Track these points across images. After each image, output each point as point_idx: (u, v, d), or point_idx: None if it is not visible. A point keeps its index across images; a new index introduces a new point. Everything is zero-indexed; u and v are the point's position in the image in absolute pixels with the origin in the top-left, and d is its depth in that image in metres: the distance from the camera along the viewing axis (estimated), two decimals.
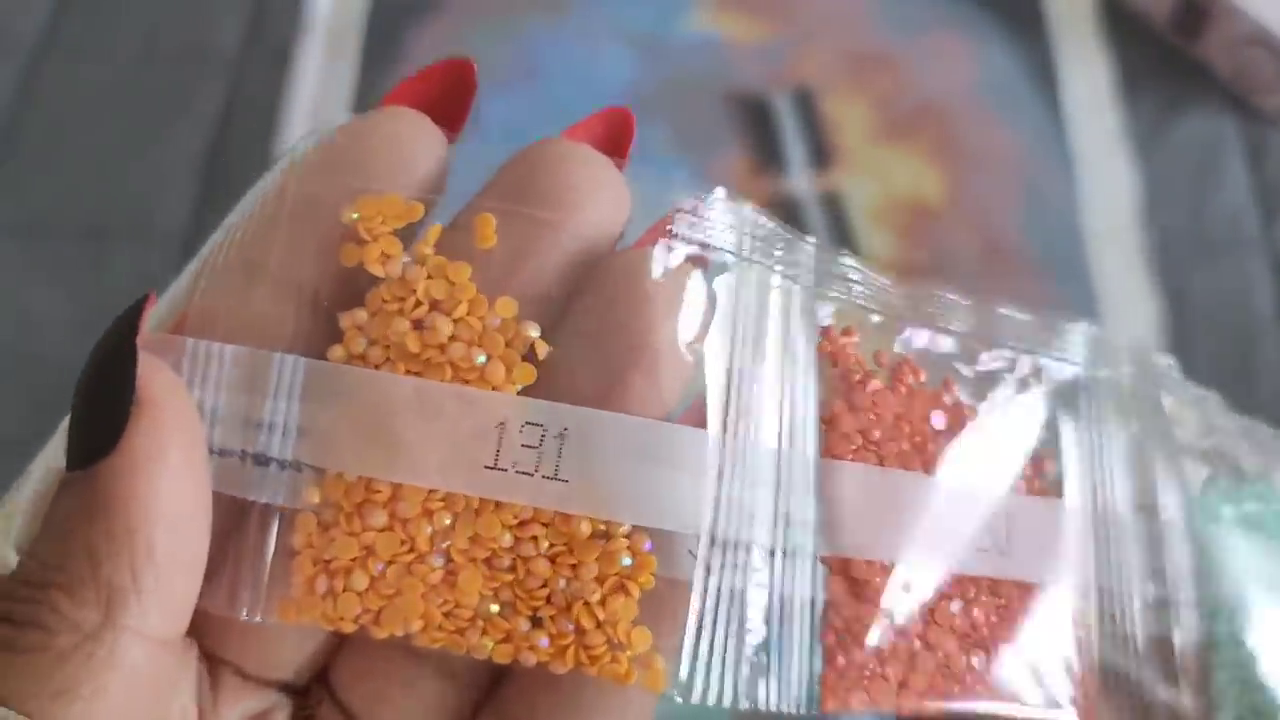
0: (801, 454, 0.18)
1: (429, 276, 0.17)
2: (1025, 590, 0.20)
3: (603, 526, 0.17)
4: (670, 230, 0.18)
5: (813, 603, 0.18)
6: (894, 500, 0.19)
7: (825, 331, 0.19)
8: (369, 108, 0.18)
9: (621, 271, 0.17)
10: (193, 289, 0.18)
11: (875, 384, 0.19)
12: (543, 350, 0.17)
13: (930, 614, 0.19)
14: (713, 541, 0.17)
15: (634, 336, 0.17)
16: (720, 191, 0.19)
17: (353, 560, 0.17)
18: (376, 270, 0.17)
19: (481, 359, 0.17)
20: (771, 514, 0.18)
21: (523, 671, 0.18)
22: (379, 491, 0.17)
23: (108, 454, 0.15)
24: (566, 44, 0.51)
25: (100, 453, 0.15)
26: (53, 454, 0.17)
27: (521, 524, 0.17)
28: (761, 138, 0.49)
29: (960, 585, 0.19)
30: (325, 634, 0.18)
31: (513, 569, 0.17)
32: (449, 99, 0.18)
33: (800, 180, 0.48)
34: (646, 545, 0.17)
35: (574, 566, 0.17)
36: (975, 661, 0.19)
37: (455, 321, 0.17)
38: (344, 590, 0.17)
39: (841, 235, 0.47)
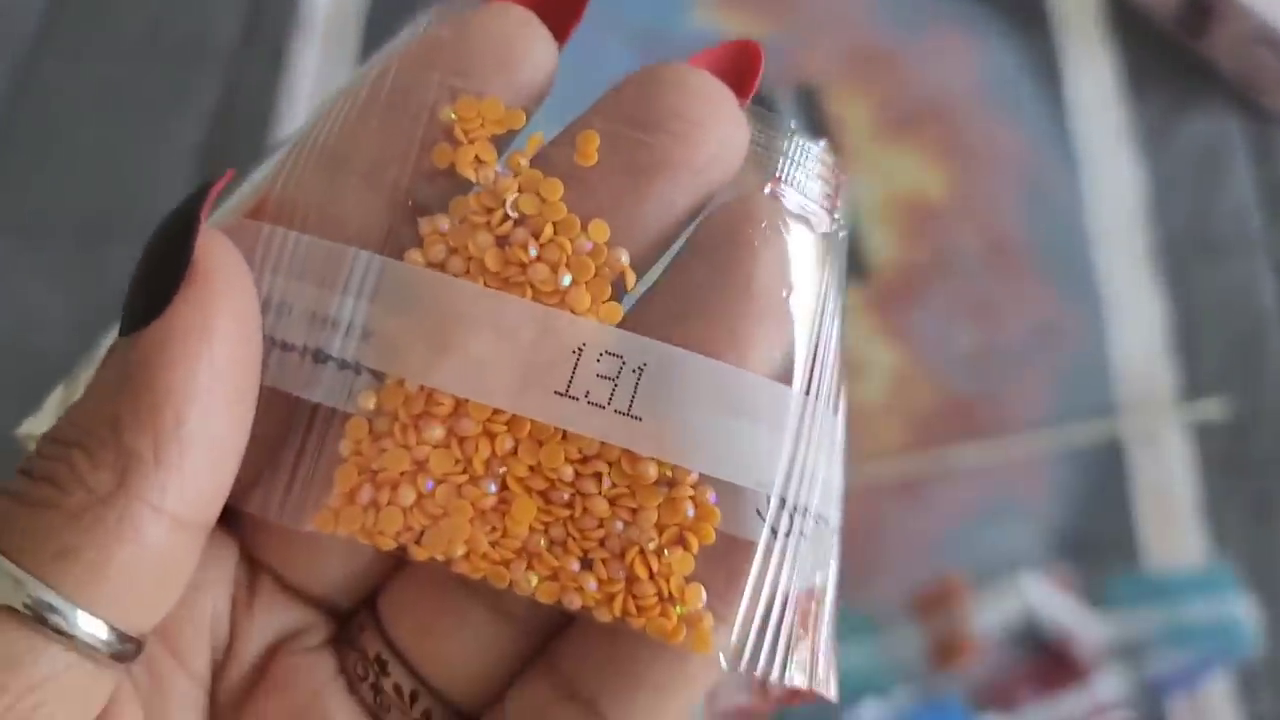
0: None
1: (520, 190, 0.16)
2: None
3: (669, 472, 0.16)
4: (778, 178, 0.17)
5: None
6: None
7: None
8: None
9: (732, 216, 0.17)
10: (275, 175, 0.17)
11: None
12: (631, 280, 0.16)
13: None
14: (782, 504, 0.16)
15: (740, 285, 0.16)
16: (822, 144, 0.18)
17: (402, 474, 0.16)
18: (468, 174, 0.16)
19: (567, 280, 0.16)
20: (833, 483, 0.17)
21: (580, 628, 0.17)
22: (440, 404, 0.16)
23: (151, 321, 0.14)
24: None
25: (146, 319, 0.15)
26: None
27: (585, 459, 0.16)
28: None
29: None
30: (373, 553, 0.17)
31: (569, 505, 0.16)
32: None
33: None
34: (712, 497, 0.16)
35: (634, 511, 0.16)
36: None
37: (541, 243, 0.16)
38: (388, 504, 0.16)
39: None
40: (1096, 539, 0.42)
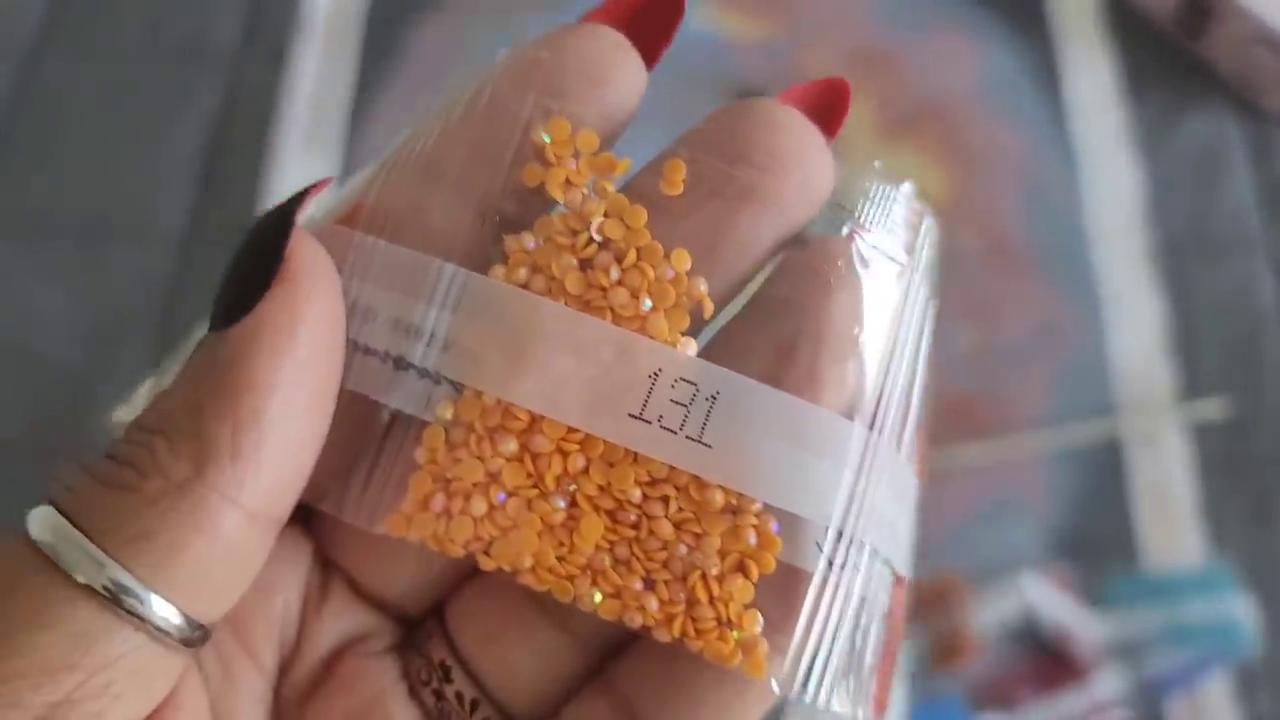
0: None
1: (605, 215, 0.17)
2: None
3: (734, 500, 0.16)
4: (859, 217, 0.17)
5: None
6: None
7: None
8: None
9: (814, 255, 0.17)
10: (370, 184, 0.17)
11: None
12: (709, 309, 0.17)
13: None
14: (839, 536, 0.16)
15: (816, 325, 0.16)
16: (907, 187, 0.18)
17: (475, 484, 0.16)
18: (557, 194, 0.17)
19: (647, 305, 0.16)
20: (899, 527, 0.17)
21: (639, 650, 0.17)
22: (516, 419, 0.16)
23: (240, 318, 0.15)
24: None
25: (235, 316, 0.15)
26: None
27: (654, 482, 0.16)
28: None
29: None
30: (445, 563, 0.18)
31: (636, 526, 0.16)
32: (653, 21, 0.18)
33: None
34: (774, 527, 0.16)
35: (698, 536, 0.16)
36: None
37: (624, 268, 0.16)
38: (460, 513, 0.16)
39: None
40: (1096, 539, 0.42)
